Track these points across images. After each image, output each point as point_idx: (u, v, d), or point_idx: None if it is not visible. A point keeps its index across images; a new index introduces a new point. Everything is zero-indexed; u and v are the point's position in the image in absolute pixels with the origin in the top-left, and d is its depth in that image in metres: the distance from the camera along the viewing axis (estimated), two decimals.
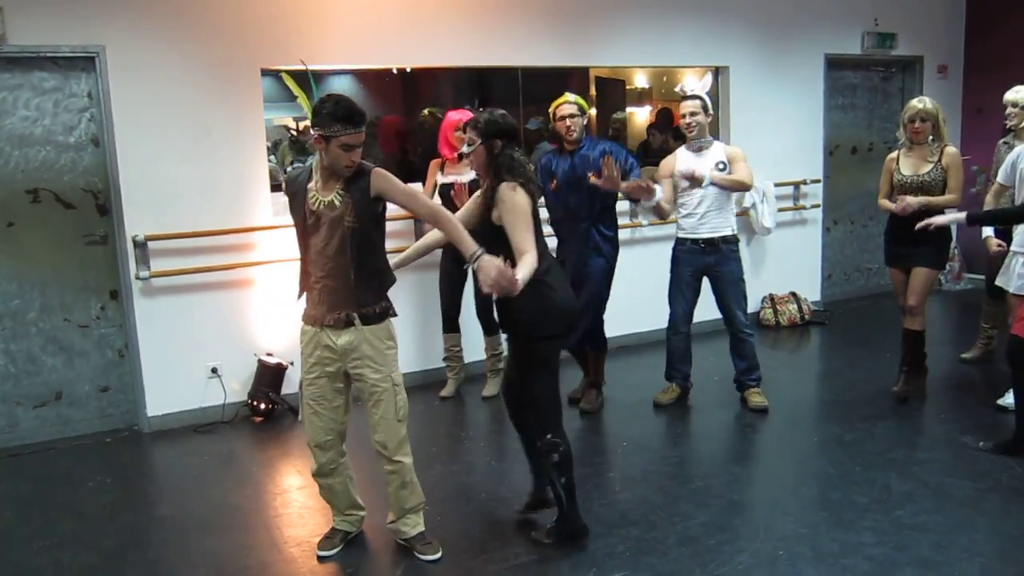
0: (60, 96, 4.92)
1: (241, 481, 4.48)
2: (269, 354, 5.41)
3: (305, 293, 3.45)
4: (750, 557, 3.43)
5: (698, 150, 5.04)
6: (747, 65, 7.05)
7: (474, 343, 5.69)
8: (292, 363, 5.39)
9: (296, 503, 4.19)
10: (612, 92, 9.27)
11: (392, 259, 3.60)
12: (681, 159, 5.06)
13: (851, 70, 7.83)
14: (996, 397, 5.06)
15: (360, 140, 3.20)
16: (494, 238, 3.34)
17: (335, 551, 3.63)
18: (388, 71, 7.19)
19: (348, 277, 3.29)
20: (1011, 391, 4.91)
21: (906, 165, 5.03)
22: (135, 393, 5.22)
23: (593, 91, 9.29)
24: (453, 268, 5.32)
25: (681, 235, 5.10)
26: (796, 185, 7.43)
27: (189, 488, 4.42)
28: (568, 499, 3.55)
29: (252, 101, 5.31)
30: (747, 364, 5.25)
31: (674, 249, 5.18)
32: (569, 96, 4.98)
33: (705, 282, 5.19)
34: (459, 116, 5.16)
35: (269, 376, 5.35)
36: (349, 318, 3.31)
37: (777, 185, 7.16)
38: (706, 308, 6.96)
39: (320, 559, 3.58)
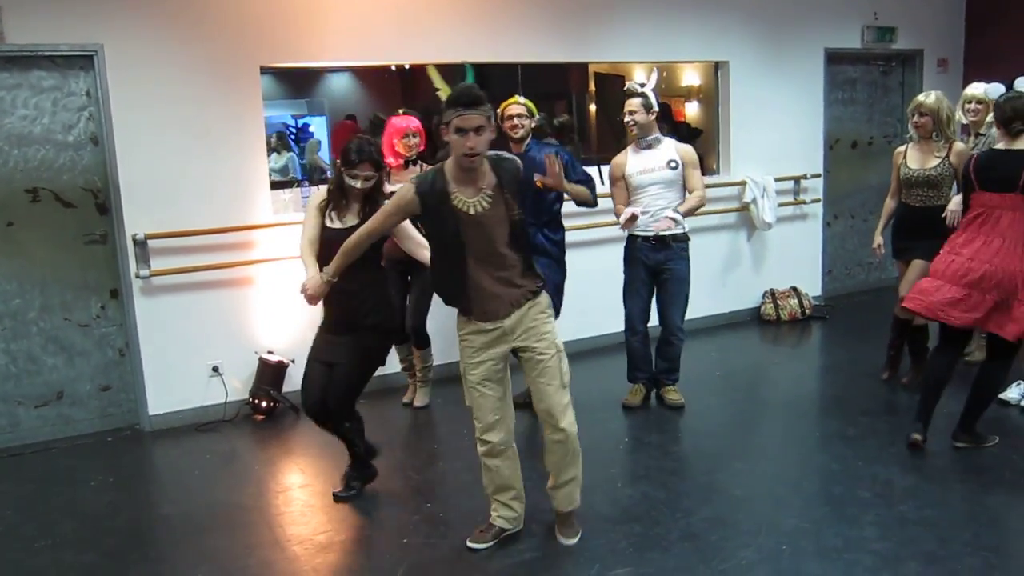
0: (59, 95, 4.91)
1: (243, 480, 4.48)
2: (270, 352, 5.40)
3: (464, 298, 3.32)
4: (753, 552, 3.42)
5: (646, 148, 4.96)
6: (747, 59, 7.03)
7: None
8: (293, 361, 5.39)
9: (298, 501, 4.18)
10: (611, 88, 9.26)
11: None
12: (630, 159, 4.99)
13: (851, 64, 7.81)
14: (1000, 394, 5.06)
15: (473, 123, 3.06)
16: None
17: (486, 546, 3.56)
18: (387, 68, 7.20)
19: (517, 265, 3.29)
20: (1014, 385, 4.94)
21: (913, 159, 5.03)
22: (136, 392, 5.21)
23: (592, 87, 9.29)
24: (398, 279, 5.01)
25: (633, 233, 5.02)
26: (796, 180, 7.42)
27: (191, 487, 4.42)
28: (367, 450, 4.16)
29: (251, 99, 5.29)
30: (669, 366, 5.22)
31: (626, 248, 5.10)
32: (519, 98, 4.95)
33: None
34: (405, 122, 5.00)
35: (270, 374, 5.34)
36: (519, 301, 3.31)
37: (777, 180, 7.14)
38: (705, 302, 6.99)
39: (471, 550, 3.53)
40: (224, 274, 5.28)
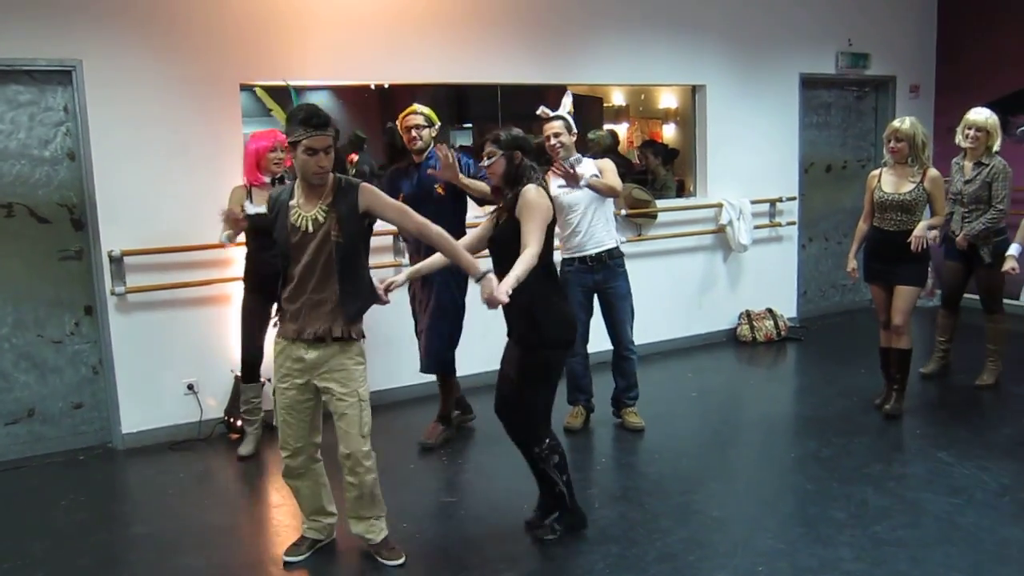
0: (36, 110, 4.88)
1: (217, 499, 4.44)
2: None
3: (283, 310, 3.47)
4: (729, 573, 3.44)
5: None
6: (723, 83, 7.12)
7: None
8: (269, 379, 5.34)
9: (273, 521, 4.15)
10: (590, 109, 9.33)
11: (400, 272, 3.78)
12: (554, 181, 4.88)
13: (825, 89, 7.94)
14: (972, 414, 5.15)
15: (324, 144, 3.21)
16: (513, 248, 3.49)
17: (301, 558, 3.65)
18: (367, 87, 7.21)
19: (333, 293, 3.34)
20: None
21: (887, 183, 5.09)
22: (109, 410, 5.15)
23: (571, 109, 9.35)
24: (257, 307, 4.75)
25: (567, 255, 4.94)
26: (772, 203, 7.50)
27: (164, 506, 4.36)
28: (570, 494, 3.76)
29: (230, 116, 5.29)
30: (627, 383, 5.22)
31: (561, 271, 4.89)
32: (417, 107, 4.86)
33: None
34: (271, 138, 4.73)
35: None
36: (324, 335, 3.36)
37: (753, 202, 7.23)
38: (682, 323, 7.04)
39: (286, 565, 3.61)
40: (200, 292, 5.25)
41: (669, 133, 8.60)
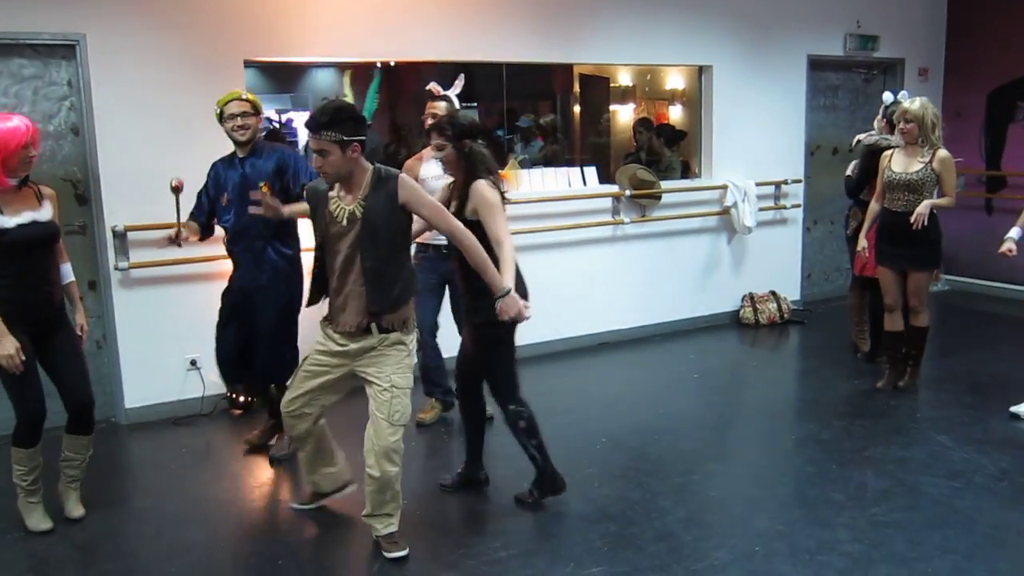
0: (40, 84, 4.86)
1: (219, 474, 4.47)
2: None
3: (325, 299, 3.52)
4: (727, 553, 3.45)
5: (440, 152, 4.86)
6: (730, 64, 7.07)
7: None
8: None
9: (273, 495, 4.17)
10: (596, 89, 9.28)
11: None
12: (425, 164, 4.82)
13: (833, 71, 7.88)
14: (969, 395, 5.15)
15: (317, 147, 3.21)
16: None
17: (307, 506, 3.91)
18: (371, 64, 7.19)
19: (370, 283, 3.34)
20: None
21: (897, 163, 5.10)
22: (113, 385, 5.18)
23: (577, 88, 9.31)
24: (23, 347, 3.64)
25: (421, 241, 4.57)
26: (777, 185, 7.47)
27: (166, 481, 4.39)
28: (543, 458, 3.90)
29: None
30: None
31: (414, 257, 4.57)
32: (240, 93, 4.47)
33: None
34: (24, 128, 3.50)
35: None
36: (367, 326, 3.38)
37: (758, 184, 7.19)
38: (684, 305, 7.03)
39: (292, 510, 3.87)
40: (204, 267, 5.24)
41: (675, 114, 8.54)
